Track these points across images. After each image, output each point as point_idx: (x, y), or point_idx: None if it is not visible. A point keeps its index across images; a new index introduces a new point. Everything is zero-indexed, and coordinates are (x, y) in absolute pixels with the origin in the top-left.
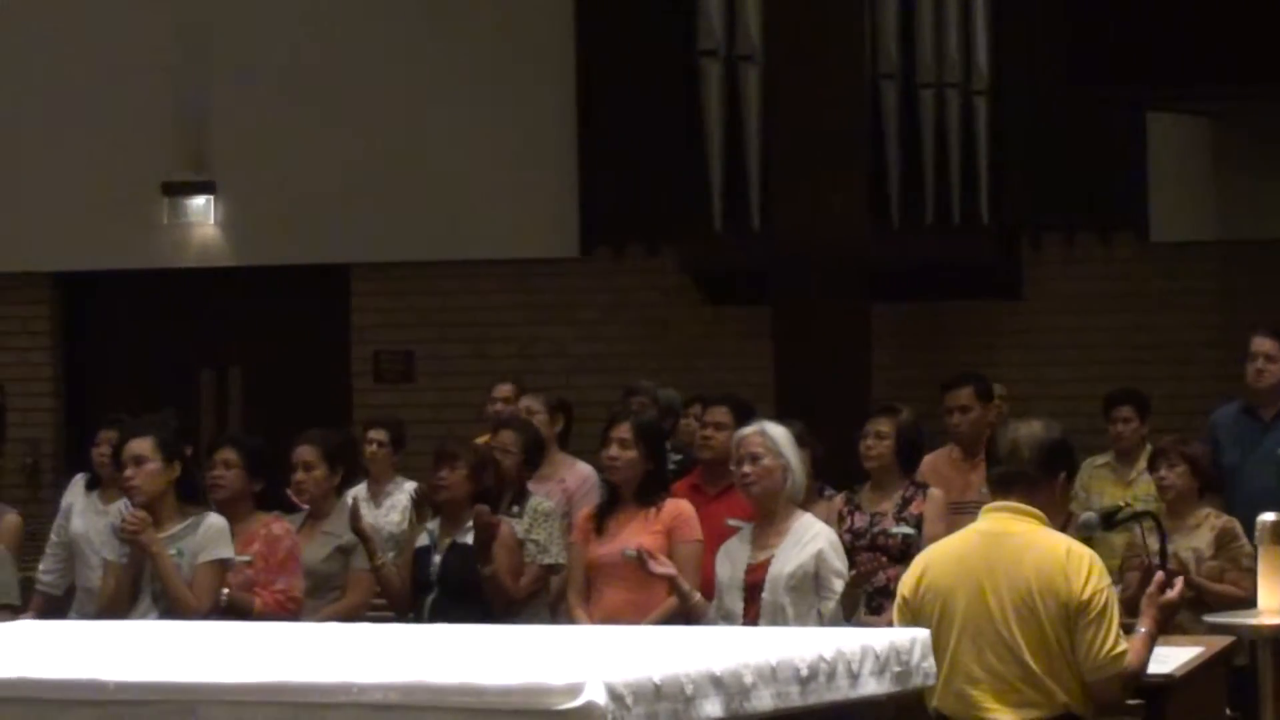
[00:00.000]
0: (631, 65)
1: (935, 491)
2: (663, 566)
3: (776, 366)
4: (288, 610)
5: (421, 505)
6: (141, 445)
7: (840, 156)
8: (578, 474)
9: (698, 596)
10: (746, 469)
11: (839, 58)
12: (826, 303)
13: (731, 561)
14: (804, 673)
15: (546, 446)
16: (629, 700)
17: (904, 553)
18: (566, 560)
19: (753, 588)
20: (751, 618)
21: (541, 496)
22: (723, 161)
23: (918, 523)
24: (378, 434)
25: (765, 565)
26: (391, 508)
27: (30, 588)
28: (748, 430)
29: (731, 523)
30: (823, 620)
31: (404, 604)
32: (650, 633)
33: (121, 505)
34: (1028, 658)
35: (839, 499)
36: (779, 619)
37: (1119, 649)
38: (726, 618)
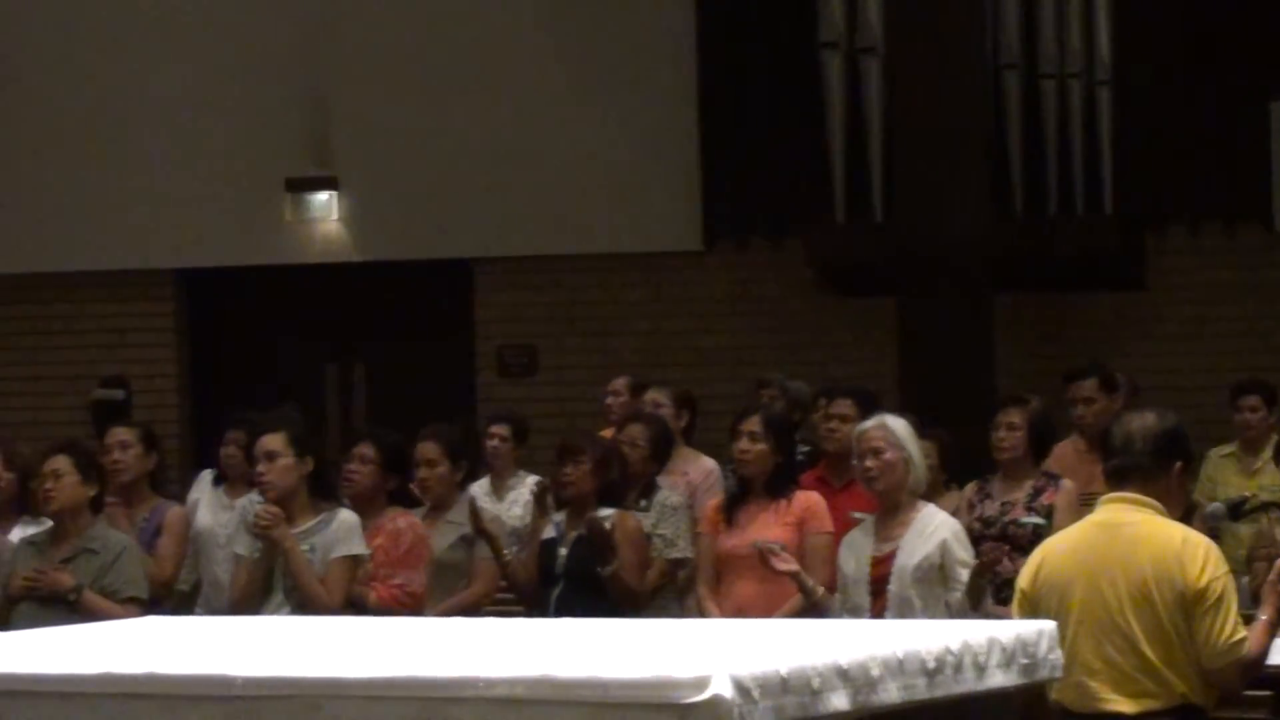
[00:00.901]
0: (753, 58)
1: (1067, 483)
2: (785, 563)
3: (900, 358)
4: (405, 606)
5: (543, 499)
6: (274, 441)
7: (962, 148)
8: (701, 468)
9: (822, 591)
10: (869, 463)
11: (960, 49)
12: (950, 294)
13: (855, 555)
14: (931, 665)
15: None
16: (755, 693)
17: (1033, 544)
18: (694, 554)
19: (878, 581)
20: (878, 611)
21: (669, 490)
22: (845, 154)
23: (1048, 513)
24: (500, 428)
25: (890, 558)
26: (514, 502)
27: None
28: (868, 424)
29: (855, 515)
30: (950, 611)
31: (531, 597)
32: (777, 625)
33: (248, 500)
34: (1145, 648)
35: (970, 487)
36: (906, 611)
37: (1237, 636)
38: (853, 611)
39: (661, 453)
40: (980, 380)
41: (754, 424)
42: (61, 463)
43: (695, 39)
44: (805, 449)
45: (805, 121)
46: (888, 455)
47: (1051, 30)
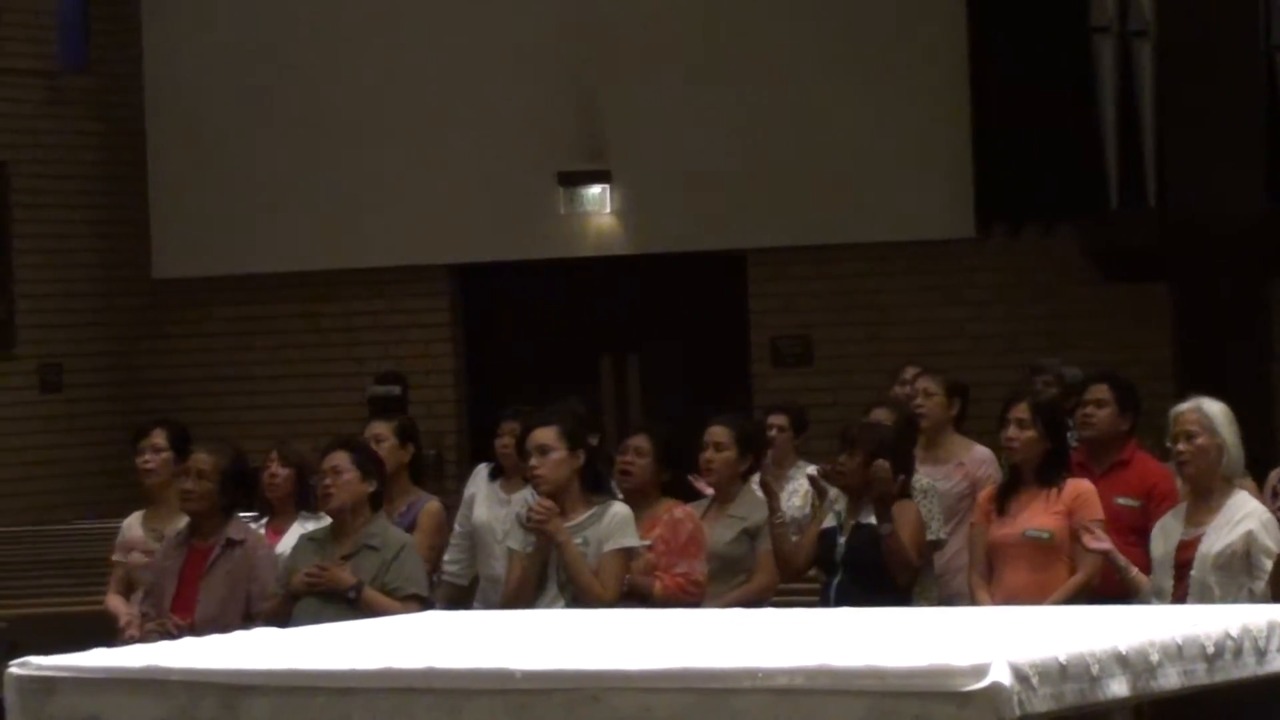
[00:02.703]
0: (1024, 43)
1: None
2: (1098, 541)
3: (1176, 343)
4: (688, 595)
5: (819, 485)
6: (546, 434)
7: (1235, 131)
8: (976, 456)
9: (1135, 571)
10: (1181, 446)
11: (1232, 31)
12: (1224, 278)
13: (1165, 537)
14: (1210, 650)
15: (939, 430)
16: (1034, 681)
17: None
18: (946, 535)
19: (1182, 565)
20: (1179, 595)
21: (919, 473)
22: (1117, 138)
23: None
24: (778, 419)
25: (1196, 542)
26: (793, 492)
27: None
28: (1184, 407)
29: (1120, 501)
30: (1253, 600)
31: (795, 572)
32: (1052, 612)
33: (525, 495)
34: None
35: (1275, 474)
36: (1205, 597)
37: None
38: (1158, 594)
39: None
40: (1255, 365)
41: (1021, 410)
42: (340, 459)
43: (966, 24)
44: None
45: (1077, 106)
46: (1200, 440)
47: None
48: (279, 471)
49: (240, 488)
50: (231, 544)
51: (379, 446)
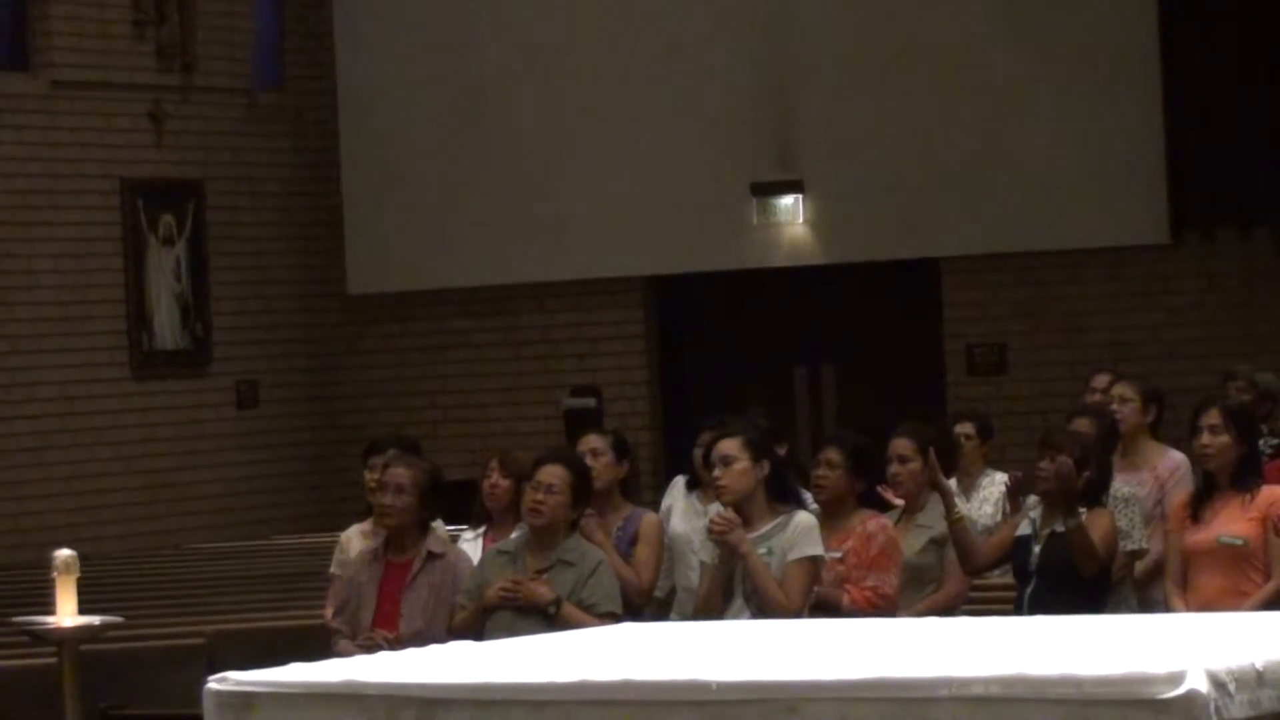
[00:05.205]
0: (1217, 49)
1: None
2: None
3: None
4: (877, 608)
5: (1015, 494)
6: (729, 445)
7: None
8: (1169, 462)
9: None
10: None
11: None
12: None
13: None
14: None
15: (1134, 436)
16: (1231, 687)
17: None
18: (1148, 545)
19: None
20: None
21: (1120, 483)
22: None
23: None
24: (965, 427)
25: None
26: (983, 500)
27: None
28: None
29: None
30: None
31: (976, 568)
32: (1248, 619)
33: (717, 506)
34: None
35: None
36: None
37: None
38: None
39: (1107, 446)
40: None
41: (1213, 416)
42: (557, 477)
43: (1158, 31)
44: (1275, 442)
45: (1271, 110)
46: None
47: None
48: (500, 482)
49: (437, 501)
50: (432, 556)
51: (595, 461)
